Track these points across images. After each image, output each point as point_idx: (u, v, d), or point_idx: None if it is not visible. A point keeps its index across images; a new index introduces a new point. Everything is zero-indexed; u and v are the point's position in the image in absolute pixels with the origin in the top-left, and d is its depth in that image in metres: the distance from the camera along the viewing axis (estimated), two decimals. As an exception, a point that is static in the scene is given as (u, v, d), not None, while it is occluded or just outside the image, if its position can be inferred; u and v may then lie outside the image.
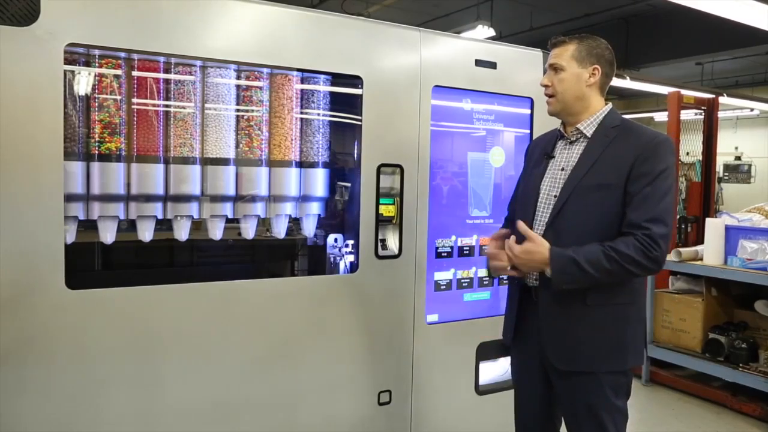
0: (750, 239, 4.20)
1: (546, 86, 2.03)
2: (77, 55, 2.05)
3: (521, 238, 1.96)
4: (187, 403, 2.15)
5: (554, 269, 1.86)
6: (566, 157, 2.03)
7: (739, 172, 12.03)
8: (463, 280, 2.78)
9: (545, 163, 2.08)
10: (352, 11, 6.86)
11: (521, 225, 1.95)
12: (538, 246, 1.89)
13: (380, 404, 2.55)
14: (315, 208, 2.51)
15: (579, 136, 2.02)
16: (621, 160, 1.90)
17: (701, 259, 4.49)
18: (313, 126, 2.47)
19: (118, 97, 2.12)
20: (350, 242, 2.55)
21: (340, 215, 2.64)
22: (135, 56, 2.12)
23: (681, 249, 4.56)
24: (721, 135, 6.31)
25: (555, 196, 1.99)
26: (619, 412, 1.96)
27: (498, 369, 2.83)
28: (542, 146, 2.16)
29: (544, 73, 2.80)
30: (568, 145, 2.05)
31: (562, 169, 2.01)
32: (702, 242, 4.61)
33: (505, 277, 2.80)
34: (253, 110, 2.34)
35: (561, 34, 2.06)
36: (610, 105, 2.05)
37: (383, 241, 2.51)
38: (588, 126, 2.01)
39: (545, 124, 2.49)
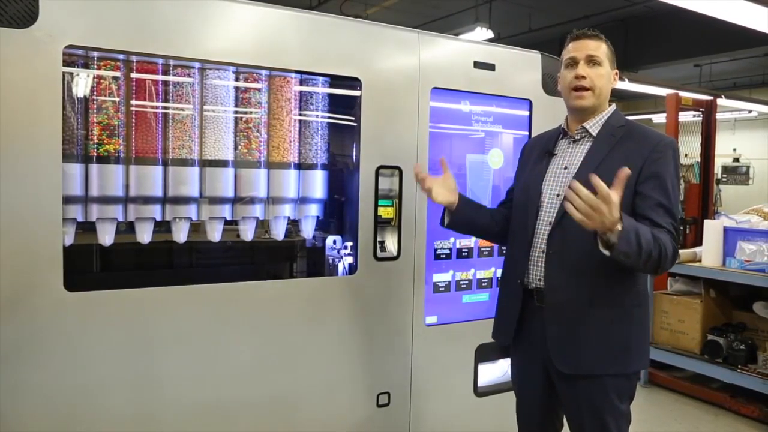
0: (748, 241, 4.21)
1: (582, 77, 1.95)
2: (76, 57, 2.05)
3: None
4: (186, 404, 2.15)
5: (624, 232, 1.67)
6: (570, 156, 2.02)
7: (737, 173, 12.02)
8: (461, 282, 2.78)
9: (546, 161, 2.07)
10: (351, 13, 6.86)
11: (595, 179, 1.67)
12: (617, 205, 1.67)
13: (379, 406, 2.55)
14: (314, 210, 2.51)
15: (584, 134, 2.02)
16: (630, 161, 1.88)
17: (700, 261, 4.49)
18: (312, 128, 2.47)
19: (117, 99, 2.12)
20: (349, 244, 2.55)
21: (338, 217, 2.64)
22: (134, 58, 2.12)
23: (679, 250, 4.56)
24: (720, 136, 6.31)
25: (558, 195, 1.98)
26: (622, 415, 1.96)
27: (497, 371, 2.83)
28: (542, 145, 2.15)
29: (544, 73, 2.84)
30: (571, 144, 2.05)
31: (565, 168, 2.01)
32: (700, 244, 4.62)
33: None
34: (251, 112, 2.34)
35: (566, 33, 2.06)
36: (614, 106, 2.06)
37: (382, 242, 2.51)
38: (594, 125, 2.01)
39: (544, 125, 2.49)
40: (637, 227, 1.72)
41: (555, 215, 1.97)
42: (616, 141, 1.96)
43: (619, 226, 1.67)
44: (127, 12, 1.99)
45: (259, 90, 2.35)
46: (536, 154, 2.14)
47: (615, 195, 1.65)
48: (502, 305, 2.18)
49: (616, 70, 2.04)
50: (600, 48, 1.98)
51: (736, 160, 12.58)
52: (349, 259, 2.53)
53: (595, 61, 1.96)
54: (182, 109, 2.22)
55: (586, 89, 1.96)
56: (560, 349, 1.94)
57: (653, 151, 1.89)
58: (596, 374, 1.92)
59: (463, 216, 2.18)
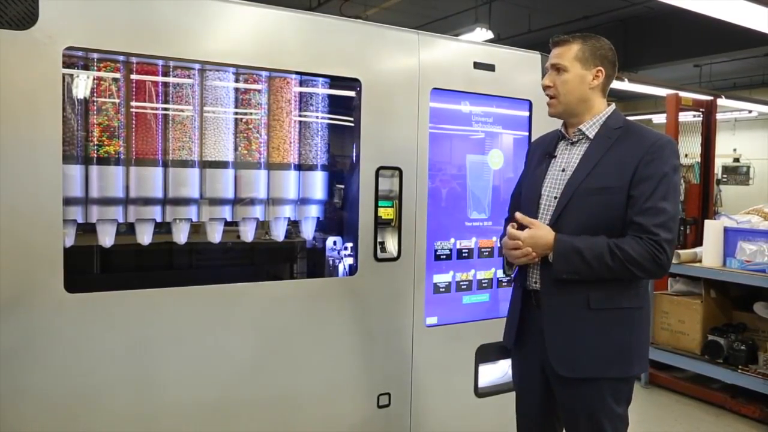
0: (749, 241, 4.20)
1: (548, 87, 2.00)
2: (76, 59, 2.05)
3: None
4: (186, 405, 2.15)
5: (557, 255, 1.86)
6: (567, 158, 2.02)
7: (737, 173, 12.04)
8: (462, 283, 2.78)
9: (546, 163, 2.07)
10: (351, 14, 6.88)
11: (519, 215, 1.96)
12: (542, 230, 1.90)
13: (379, 407, 2.54)
14: (314, 211, 2.51)
15: (581, 137, 2.01)
16: (624, 163, 1.88)
17: (700, 261, 4.49)
18: (312, 129, 2.47)
19: (117, 101, 2.12)
20: (349, 245, 2.55)
21: (338, 218, 2.64)
22: (133, 59, 2.13)
23: (680, 251, 4.57)
24: (720, 137, 6.31)
25: (555, 197, 1.98)
26: (619, 419, 1.95)
27: (497, 371, 2.83)
28: (543, 147, 2.14)
29: (543, 75, 2.83)
30: (569, 146, 2.04)
31: (563, 170, 2.00)
32: (701, 244, 4.61)
33: (506, 280, 2.81)
34: (251, 113, 2.34)
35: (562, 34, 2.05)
36: (613, 106, 2.03)
37: (382, 243, 2.51)
38: (590, 127, 1.99)
39: (544, 126, 2.49)
40: (578, 247, 1.85)
41: (550, 217, 1.96)
42: (611, 143, 1.94)
43: (551, 252, 1.88)
44: (127, 13, 1.99)
45: (259, 91, 2.35)
46: (538, 155, 2.14)
47: (524, 233, 1.92)
48: (511, 306, 2.19)
49: (599, 68, 1.97)
50: (567, 53, 1.96)
51: (737, 160, 12.60)
52: (350, 260, 2.53)
53: (558, 68, 1.98)
54: (182, 111, 2.22)
55: (552, 97, 2.00)
56: (559, 351, 1.93)
57: (647, 153, 1.87)
58: (593, 377, 1.91)
59: None
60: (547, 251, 1.90)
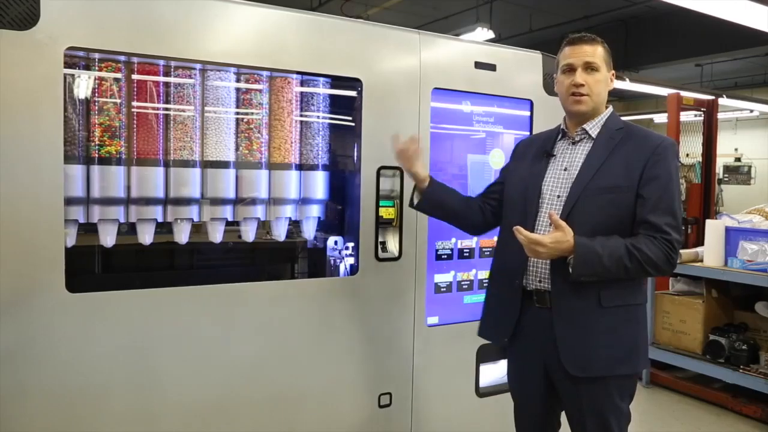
0: (750, 240, 4.20)
1: (581, 85, 1.96)
2: (77, 59, 2.06)
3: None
4: (188, 405, 2.15)
5: (578, 259, 1.83)
6: (570, 158, 2.02)
7: (739, 173, 12.04)
8: (463, 283, 2.78)
9: (545, 162, 2.07)
10: (352, 14, 6.88)
11: (555, 217, 1.85)
12: (567, 236, 1.83)
13: (380, 407, 2.54)
14: (315, 211, 2.51)
15: (584, 136, 2.02)
16: (631, 163, 1.91)
17: (701, 261, 4.49)
18: (313, 129, 2.47)
19: (118, 101, 2.12)
20: (350, 245, 2.55)
21: (340, 218, 2.64)
22: (135, 59, 2.13)
23: (681, 250, 4.56)
24: (721, 136, 6.32)
25: (558, 196, 1.98)
26: (623, 414, 1.97)
27: (498, 371, 2.82)
28: (538, 145, 2.14)
29: (545, 74, 2.84)
30: (570, 145, 2.05)
31: (565, 169, 2.01)
32: (702, 244, 4.61)
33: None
34: (252, 113, 2.34)
35: (567, 33, 2.06)
36: (611, 107, 2.07)
37: (383, 243, 2.51)
38: (593, 127, 2.01)
39: (544, 125, 2.49)
40: (599, 251, 1.82)
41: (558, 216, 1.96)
42: (615, 144, 1.96)
43: (571, 256, 1.83)
44: (128, 14, 1.99)
45: (260, 91, 2.35)
46: (533, 153, 2.13)
47: (548, 237, 1.83)
48: (494, 304, 2.17)
49: (613, 72, 2.04)
50: (596, 52, 1.97)
51: (738, 159, 12.60)
52: (351, 260, 2.53)
53: (592, 67, 1.97)
54: (183, 111, 2.22)
55: (584, 95, 1.97)
56: (570, 351, 1.92)
57: (654, 154, 1.90)
58: (604, 376, 1.91)
59: (435, 196, 2.23)
60: (566, 254, 1.86)
